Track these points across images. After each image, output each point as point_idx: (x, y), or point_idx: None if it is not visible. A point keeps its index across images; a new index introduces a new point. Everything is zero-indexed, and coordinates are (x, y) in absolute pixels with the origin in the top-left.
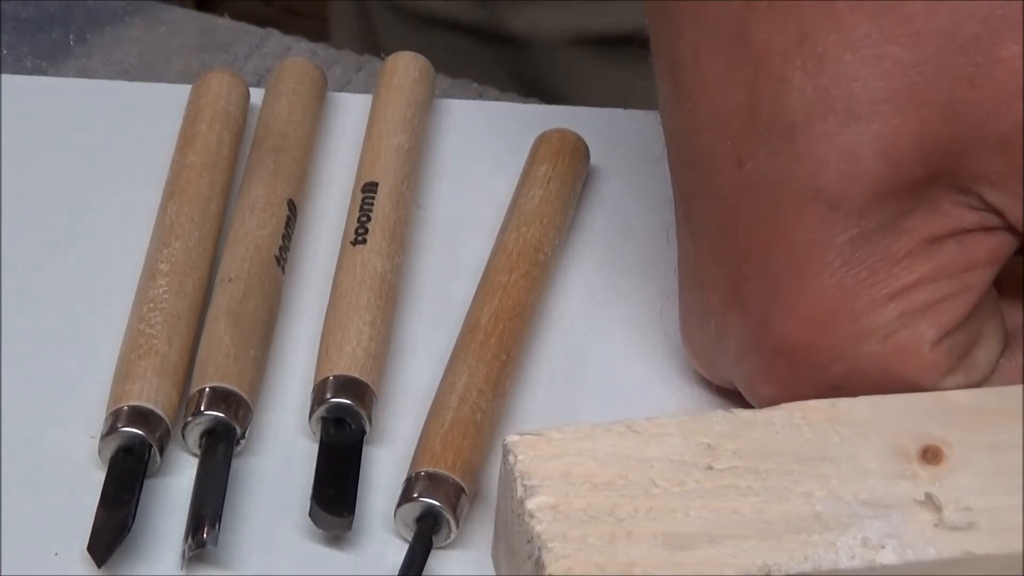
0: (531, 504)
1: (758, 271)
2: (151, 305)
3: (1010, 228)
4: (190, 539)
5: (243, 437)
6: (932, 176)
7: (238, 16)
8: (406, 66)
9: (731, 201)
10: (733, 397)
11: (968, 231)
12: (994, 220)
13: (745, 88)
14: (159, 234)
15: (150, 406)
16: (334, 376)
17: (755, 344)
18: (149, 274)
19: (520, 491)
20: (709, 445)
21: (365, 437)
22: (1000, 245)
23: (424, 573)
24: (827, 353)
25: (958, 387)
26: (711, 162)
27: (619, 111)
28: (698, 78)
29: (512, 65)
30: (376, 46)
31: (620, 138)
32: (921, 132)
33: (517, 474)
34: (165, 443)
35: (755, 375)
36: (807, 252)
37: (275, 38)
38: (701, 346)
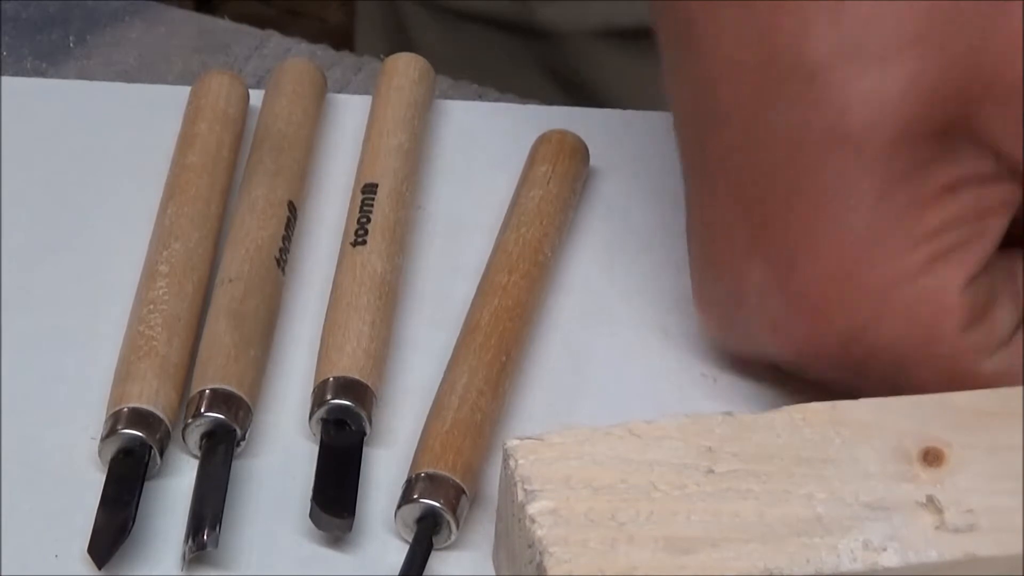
0: (532, 508)
1: (782, 218)
2: (151, 306)
3: (1018, 176)
4: (190, 541)
5: (243, 439)
6: (949, 123)
7: (238, 17)
8: (405, 66)
9: (752, 151)
10: (737, 390)
11: (984, 177)
12: (1004, 169)
13: (761, 36)
14: (159, 235)
15: (150, 408)
16: (334, 377)
17: (779, 292)
18: (149, 275)
19: (521, 495)
20: (710, 448)
21: (365, 438)
22: (1011, 193)
23: (424, 574)
24: (854, 297)
25: (978, 346)
26: (729, 114)
27: (618, 111)
28: (712, 30)
29: (543, 58)
30: (405, 43)
31: (620, 138)
32: (940, 76)
33: (517, 479)
34: (165, 445)
35: (778, 324)
36: (834, 196)
37: (275, 39)
38: (717, 308)
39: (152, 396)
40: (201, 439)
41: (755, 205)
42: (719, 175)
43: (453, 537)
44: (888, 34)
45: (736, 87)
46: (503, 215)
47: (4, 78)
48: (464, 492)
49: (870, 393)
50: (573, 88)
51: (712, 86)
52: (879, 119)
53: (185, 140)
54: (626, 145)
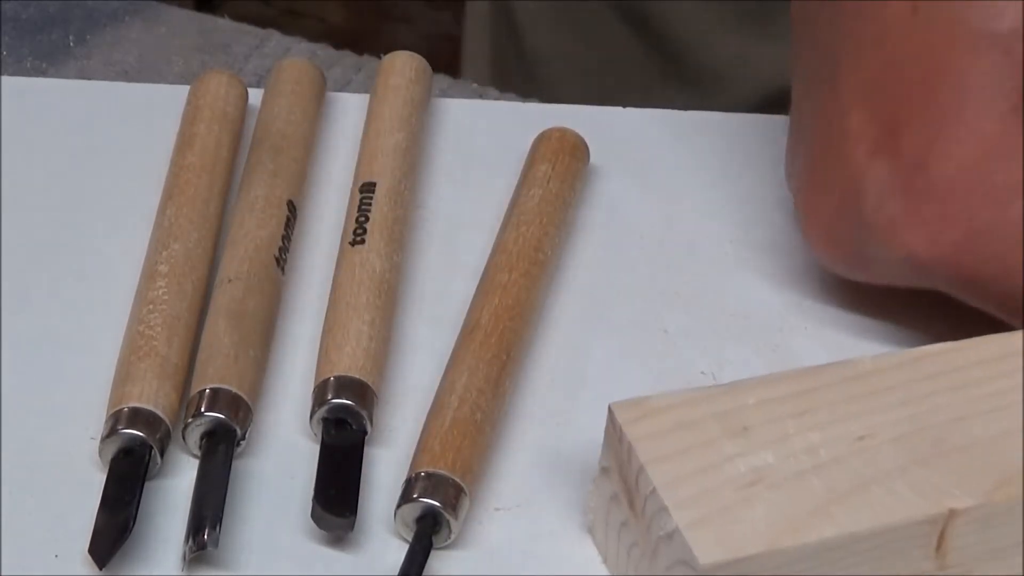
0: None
1: (919, 113)
2: (151, 307)
3: None
4: (191, 541)
5: (243, 438)
6: None
7: (238, 17)
8: (403, 65)
9: (898, 47)
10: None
11: None
12: None
13: None
14: (158, 235)
15: (150, 408)
16: (335, 376)
17: (906, 186)
18: (148, 275)
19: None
20: None
21: (366, 437)
22: None
23: (424, 573)
24: (980, 198)
25: None
26: (879, 12)
27: (619, 110)
28: None
29: (632, 15)
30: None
31: (620, 137)
32: None
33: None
34: (165, 445)
35: (900, 219)
36: (974, 95)
37: (275, 39)
38: (829, 220)
39: (152, 396)
40: (201, 439)
41: (886, 104)
42: (850, 79)
43: (453, 536)
44: None
45: None
46: (503, 214)
47: (4, 78)
48: (464, 491)
49: (981, 305)
50: (661, 47)
51: None
52: None
53: (184, 140)
54: (626, 144)
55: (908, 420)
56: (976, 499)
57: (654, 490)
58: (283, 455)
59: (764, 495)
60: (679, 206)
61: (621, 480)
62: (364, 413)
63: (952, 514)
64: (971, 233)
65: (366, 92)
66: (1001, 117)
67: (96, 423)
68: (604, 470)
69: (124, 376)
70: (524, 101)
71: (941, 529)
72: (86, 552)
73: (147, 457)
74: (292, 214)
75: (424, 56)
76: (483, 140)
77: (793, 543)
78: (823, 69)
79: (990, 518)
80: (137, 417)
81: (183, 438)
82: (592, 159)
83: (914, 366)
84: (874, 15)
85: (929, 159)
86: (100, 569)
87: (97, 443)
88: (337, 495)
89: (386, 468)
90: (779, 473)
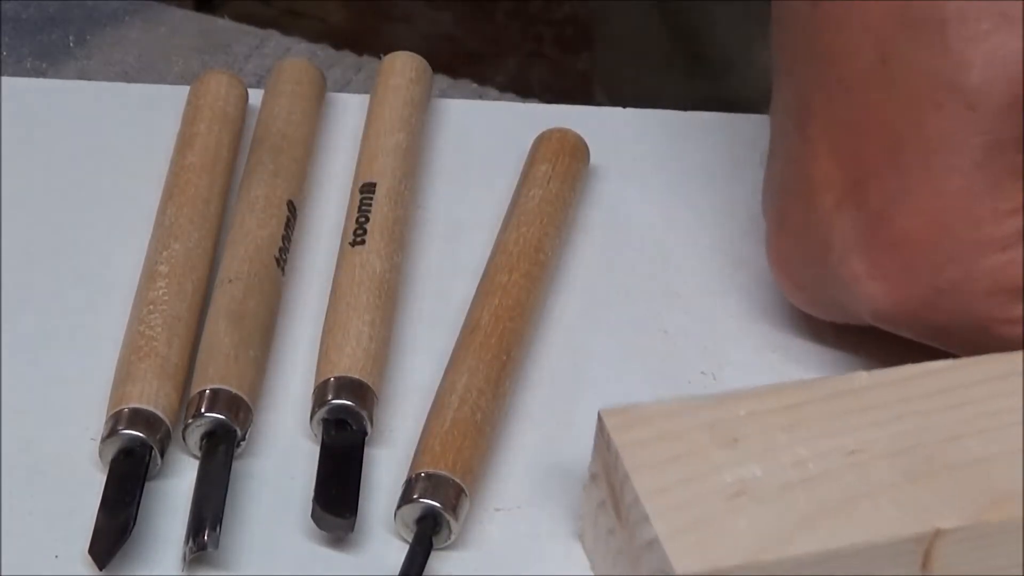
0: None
1: (886, 166)
2: (151, 307)
3: None
4: (191, 541)
5: (244, 439)
6: None
7: (238, 17)
8: (403, 65)
9: (866, 96)
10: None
11: None
12: None
13: None
14: (158, 235)
15: (150, 408)
16: (335, 377)
17: (870, 239)
18: (149, 275)
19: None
20: None
21: (367, 438)
22: None
23: (424, 574)
24: (945, 254)
25: None
26: (850, 58)
27: (619, 110)
28: None
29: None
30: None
31: (620, 138)
32: None
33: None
34: (166, 445)
35: (864, 272)
36: (940, 149)
37: (275, 39)
38: (797, 265)
39: (152, 396)
40: (201, 439)
41: (854, 156)
42: (823, 121)
43: (453, 537)
44: None
45: (862, 33)
46: (503, 214)
47: (4, 78)
48: (464, 492)
49: (950, 350)
50: (688, 36)
51: (837, 31)
52: (997, 78)
53: (184, 140)
54: (626, 145)
55: (902, 437)
56: (965, 519)
57: (637, 498)
58: (283, 455)
59: (748, 507)
60: (679, 206)
61: (608, 487)
62: (364, 414)
63: (938, 533)
64: (935, 290)
65: (366, 92)
66: (965, 172)
67: (96, 423)
68: (593, 476)
69: (124, 376)
70: (524, 102)
71: (926, 548)
72: (86, 552)
73: (147, 458)
74: (292, 214)
75: (424, 56)
76: (483, 140)
77: (773, 557)
78: (797, 110)
79: (981, 539)
80: (137, 417)
81: (183, 439)
82: (592, 159)
83: (911, 383)
84: (845, 61)
85: (893, 213)
86: (100, 569)
87: (97, 443)
88: (337, 495)
89: (386, 468)
90: (765, 486)
